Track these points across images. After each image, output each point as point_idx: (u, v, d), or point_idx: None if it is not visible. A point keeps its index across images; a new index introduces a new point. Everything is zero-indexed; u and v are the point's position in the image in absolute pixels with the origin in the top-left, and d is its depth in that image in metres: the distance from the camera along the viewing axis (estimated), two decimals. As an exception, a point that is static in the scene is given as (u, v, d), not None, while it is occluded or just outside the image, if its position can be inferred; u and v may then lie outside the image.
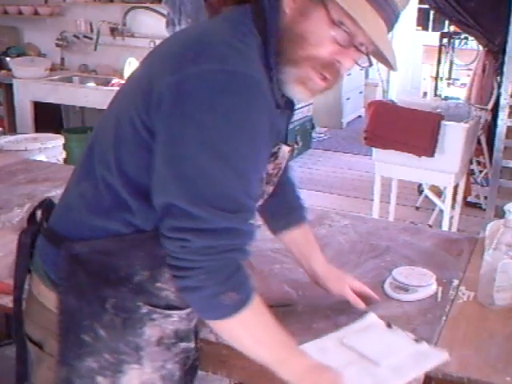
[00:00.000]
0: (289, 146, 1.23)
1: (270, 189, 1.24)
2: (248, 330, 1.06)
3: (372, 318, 1.36)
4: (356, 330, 1.31)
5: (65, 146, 3.90)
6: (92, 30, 5.36)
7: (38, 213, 1.20)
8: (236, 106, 0.95)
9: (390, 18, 1.02)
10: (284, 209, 1.44)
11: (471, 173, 4.29)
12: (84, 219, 1.09)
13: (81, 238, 1.08)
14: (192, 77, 0.95)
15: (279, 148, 1.18)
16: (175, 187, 0.96)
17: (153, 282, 1.09)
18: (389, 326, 1.33)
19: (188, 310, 1.15)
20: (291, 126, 5.78)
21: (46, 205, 1.21)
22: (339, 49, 1.02)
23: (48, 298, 1.12)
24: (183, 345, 1.18)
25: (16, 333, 1.20)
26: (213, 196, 0.95)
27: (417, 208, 4.55)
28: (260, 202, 1.22)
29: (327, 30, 1.01)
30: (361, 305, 1.39)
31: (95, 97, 4.65)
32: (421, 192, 4.50)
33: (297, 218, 1.46)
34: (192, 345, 1.22)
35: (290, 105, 1.20)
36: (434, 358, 1.23)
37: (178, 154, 0.96)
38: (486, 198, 4.05)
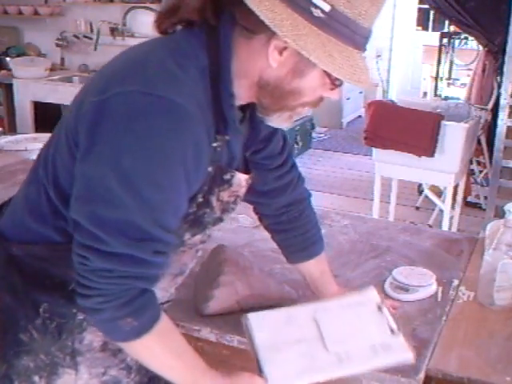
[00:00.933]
0: (246, 173, 1.18)
1: (230, 216, 1.20)
2: (153, 354, 1.04)
3: (370, 294, 1.30)
4: (339, 306, 1.27)
5: (65, 146, 3.89)
6: (92, 30, 5.36)
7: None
8: (154, 131, 0.91)
9: (363, 43, 0.99)
10: (302, 243, 1.39)
11: (471, 173, 4.28)
12: (25, 222, 1.10)
13: (20, 241, 1.09)
14: (114, 97, 0.93)
15: (232, 176, 1.12)
16: (81, 205, 0.95)
17: None
18: (379, 308, 1.27)
19: None
20: (291, 126, 5.80)
21: (6, 204, 1.21)
22: (327, 91, 1.04)
23: None
24: None
25: None
26: (116, 221, 0.92)
27: (417, 208, 4.55)
28: (214, 230, 1.20)
29: (321, 82, 1.01)
30: None
31: (95, 97, 4.64)
32: (421, 192, 4.49)
33: (314, 252, 1.40)
34: None
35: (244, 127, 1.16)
36: (395, 356, 1.17)
37: (88, 173, 0.94)
38: (486, 198, 4.05)
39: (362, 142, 3.62)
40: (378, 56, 7.39)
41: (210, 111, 1.00)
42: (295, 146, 5.73)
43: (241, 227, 1.86)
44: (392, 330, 1.21)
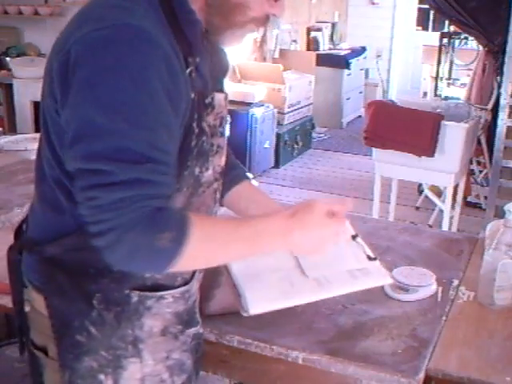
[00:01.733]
0: (222, 92, 1.18)
1: (218, 141, 1.17)
2: (210, 252, 1.02)
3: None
4: None
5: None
6: (92, 30, 5.35)
7: (24, 226, 1.21)
8: (120, 56, 0.93)
9: None
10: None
11: (471, 173, 4.28)
12: (49, 220, 1.10)
13: (51, 240, 1.08)
14: (73, 45, 0.95)
15: (212, 97, 1.12)
16: (74, 151, 0.95)
17: None
18: (353, 237, 1.27)
19: (181, 289, 1.14)
20: (291, 126, 5.79)
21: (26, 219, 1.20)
22: (272, 3, 1.09)
23: (39, 303, 1.12)
24: (192, 330, 1.18)
25: (23, 345, 1.20)
26: (111, 149, 0.92)
27: (417, 208, 4.55)
28: (221, 162, 1.20)
29: None
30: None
31: (95, 97, 4.64)
32: (421, 192, 4.49)
33: (238, 176, 1.38)
34: (201, 329, 1.21)
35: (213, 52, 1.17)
36: (374, 278, 1.19)
37: (71, 118, 0.96)
38: (486, 198, 4.05)
39: (362, 141, 3.62)
40: (378, 56, 7.40)
41: (170, 36, 1.01)
42: (295, 145, 5.73)
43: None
44: (369, 257, 1.23)
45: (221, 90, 1.19)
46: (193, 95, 1.05)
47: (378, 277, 1.19)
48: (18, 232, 1.21)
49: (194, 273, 1.20)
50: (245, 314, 1.11)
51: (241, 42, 1.12)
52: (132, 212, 0.93)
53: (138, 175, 0.93)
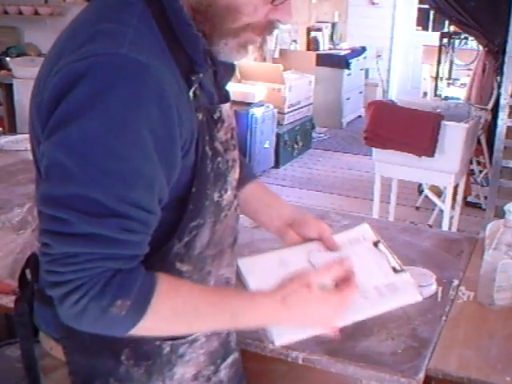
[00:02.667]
0: (227, 100, 1.06)
1: (233, 155, 1.05)
2: (173, 319, 0.90)
3: (363, 230, 1.21)
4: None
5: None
6: (92, 30, 5.35)
7: (27, 272, 1.08)
8: (98, 91, 0.80)
9: None
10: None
11: (471, 173, 4.28)
12: None
13: None
14: (54, 77, 0.84)
15: (220, 110, 1.00)
16: (39, 191, 0.86)
17: None
18: (375, 244, 1.17)
19: None
20: (291, 126, 5.79)
21: (34, 261, 1.05)
22: (273, 7, 0.92)
23: (58, 351, 1.03)
24: (230, 360, 1.11)
25: None
26: (72, 196, 0.80)
27: (417, 208, 4.55)
28: (236, 175, 1.08)
29: None
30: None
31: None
32: (421, 192, 4.49)
33: (246, 176, 1.24)
34: (237, 354, 1.14)
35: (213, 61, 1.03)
36: (402, 296, 1.06)
37: (44, 154, 0.85)
38: (486, 198, 4.05)
39: (362, 141, 3.62)
40: (378, 56, 7.40)
41: (168, 56, 0.89)
42: (295, 145, 5.73)
43: (241, 227, 1.85)
44: (394, 269, 1.10)
45: (226, 98, 1.07)
46: (200, 116, 0.94)
47: (406, 295, 1.05)
48: (22, 278, 1.08)
49: None
50: (271, 346, 1.05)
51: (243, 55, 0.97)
52: (85, 271, 0.82)
53: (98, 230, 0.81)
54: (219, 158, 0.99)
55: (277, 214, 1.22)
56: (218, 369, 1.10)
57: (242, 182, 1.21)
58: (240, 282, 1.12)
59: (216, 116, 0.99)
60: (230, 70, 1.10)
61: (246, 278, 1.10)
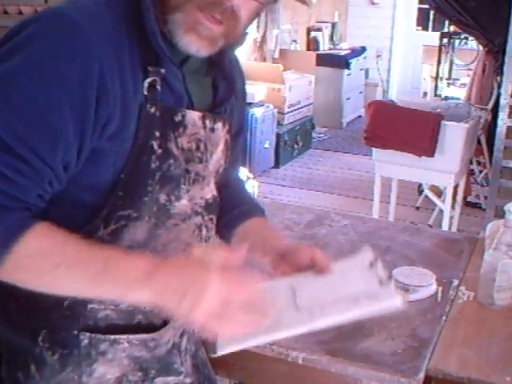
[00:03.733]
0: (200, 111, 1.02)
1: (197, 168, 1.02)
2: (42, 261, 0.86)
3: (364, 254, 1.17)
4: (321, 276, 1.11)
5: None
6: (92, 30, 5.35)
7: None
8: (30, 42, 0.85)
9: None
10: (232, 203, 1.24)
11: (471, 173, 4.29)
12: None
13: None
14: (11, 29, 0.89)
15: (183, 115, 0.98)
16: None
17: (85, 305, 0.97)
18: (371, 264, 1.12)
19: (142, 336, 1.02)
20: (291, 126, 5.79)
21: None
22: None
23: None
24: (170, 379, 1.07)
25: None
26: None
27: (417, 208, 4.55)
28: (204, 193, 1.05)
29: None
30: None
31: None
32: (421, 192, 4.49)
33: (249, 211, 1.24)
34: (187, 380, 1.09)
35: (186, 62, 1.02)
36: (380, 303, 1.02)
37: None
38: (486, 198, 4.05)
39: (362, 142, 3.62)
40: (378, 56, 7.40)
41: (124, 36, 0.91)
42: (295, 145, 5.73)
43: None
44: (380, 281, 1.06)
45: (200, 109, 1.03)
46: (153, 109, 0.94)
47: (383, 298, 1.02)
48: None
49: (166, 321, 1.05)
50: (212, 355, 0.99)
51: (199, 43, 0.93)
52: None
53: None
54: (171, 161, 0.97)
55: (270, 246, 1.18)
56: (153, 381, 1.06)
57: (247, 215, 1.23)
58: None
59: (177, 119, 0.98)
60: (230, 89, 1.10)
61: None
